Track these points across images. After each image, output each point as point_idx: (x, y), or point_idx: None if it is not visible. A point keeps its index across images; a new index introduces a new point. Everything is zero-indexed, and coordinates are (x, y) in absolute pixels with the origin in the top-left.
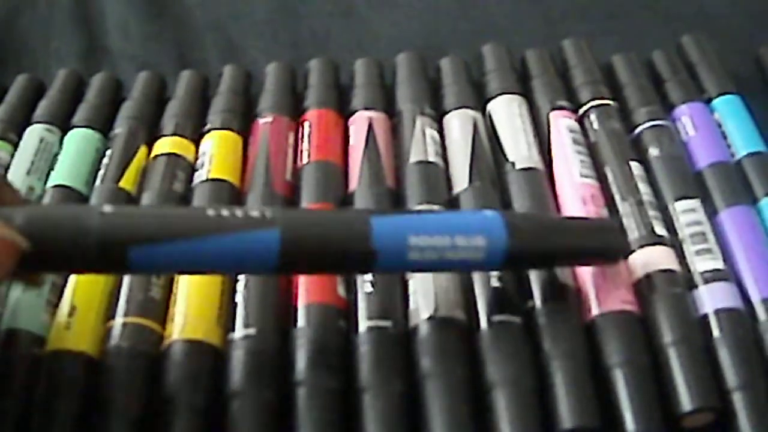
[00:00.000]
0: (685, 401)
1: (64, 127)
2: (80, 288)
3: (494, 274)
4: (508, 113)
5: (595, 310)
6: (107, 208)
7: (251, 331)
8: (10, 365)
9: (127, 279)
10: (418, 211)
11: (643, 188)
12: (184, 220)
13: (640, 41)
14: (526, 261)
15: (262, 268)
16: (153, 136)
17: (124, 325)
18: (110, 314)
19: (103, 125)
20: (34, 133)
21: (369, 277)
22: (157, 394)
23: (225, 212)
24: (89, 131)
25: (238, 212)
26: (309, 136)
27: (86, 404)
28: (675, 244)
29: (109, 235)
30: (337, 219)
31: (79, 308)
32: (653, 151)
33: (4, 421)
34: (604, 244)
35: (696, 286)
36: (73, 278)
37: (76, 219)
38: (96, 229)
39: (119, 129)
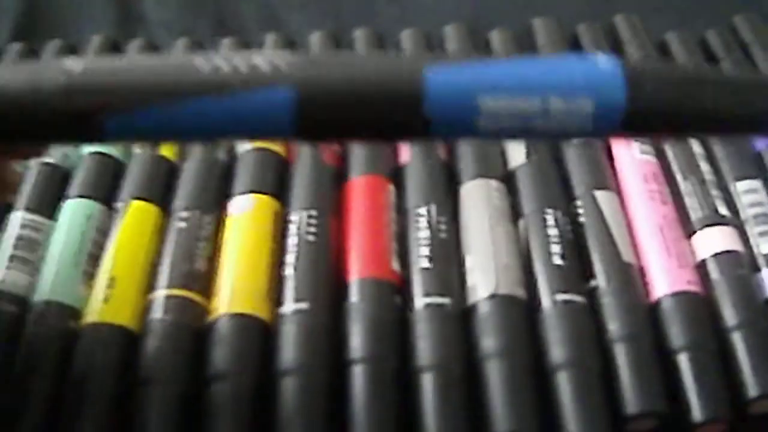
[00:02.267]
0: (752, 386)
1: None
2: (120, 258)
3: (556, 251)
4: None
5: (659, 291)
6: (75, 65)
7: (303, 305)
8: (44, 339)
9: (169, 249)
10: (498, 59)
11: (704, 167)
12: (173, 78)
13: (689, 21)
14: (650, 128)
15: (275, 133)
16: None
17: (167, 297)
18: (152, 286)
19: None
20: None
21: (425, 252)
22: (202, 370)
23: (223, 64)
24: None
25: (241, 64)
26: None
27: (125, 381)
28: (738, 224)
29: (78, 102)
30: (376, 72)
31: (119, 279)
32: None
33: (35, 399)
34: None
35: (760, 269)
36: (112, 248)
37: (39, 80)
38: (62, 92)
39: None
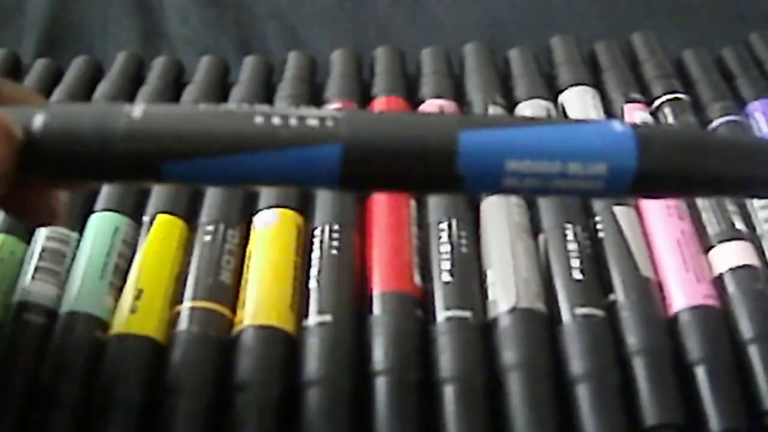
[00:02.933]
0: None
1: None
2: (146, 270)
3: (575, 266)
4: (581, 104)
5: (677, 305)
6: (137, 112)
7: (327, 317)
8: (71, 350)
9: (195, 262)
10: (523, 121)
11: None
12: (228, 131)
13: (705, 38)
14: (658, 189)
15: (321, 184)
16: None
17: (193, 309)
18: (178, 298)
19: None
20: None
21: (446, 266)
22: (228, 381)
23: (276, 120)
24: None
25: (293, 120)
26: None
27: (152, 391)
28: (754, 239)
29: (137, 146)
30: (415, 133)
31: (146, 291)
32: None
33: (63, 407)
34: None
35: None
36: (138, 260)
37: (101, 123)
38: (123, 137)
39: None
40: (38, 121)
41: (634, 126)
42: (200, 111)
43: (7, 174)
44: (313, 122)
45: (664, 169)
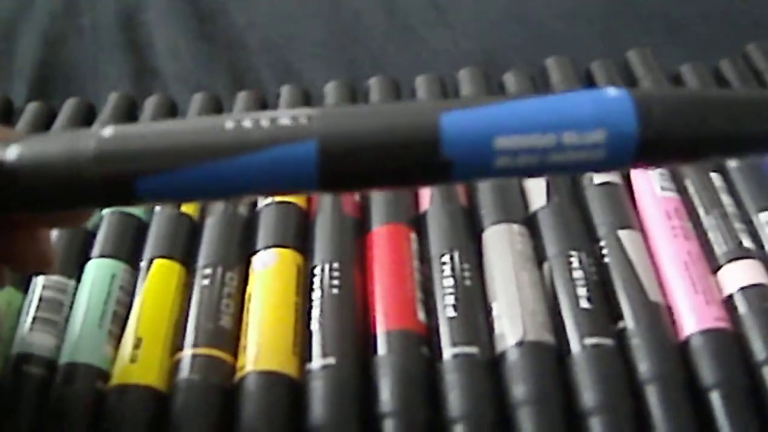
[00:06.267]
0: None
1: None
2: (145, 318)
3: (582, 294)
4: None
5: (688, 329)
6: (107, 131)
7: (330, 360)
8: (72, 401)
9: (194, 307)
10: (509, 98)
11: (726, 200)
12: (199, 139)
13: (702, 52)
14: (665, 154)
15: (300, 186)
16: None
17: (194, 356)
18: (178, 345)
19: None
20: None
21: (450, 300)
22: (232, 429)
23: (247, 123)
24: None
25: (264, 121)
26: None
27: None
28: (763, 257)
29: (109, 166)
30: (392, 122)
31: (145, 339)
32: (732, 162)
33: None
34: None
35: None
36: (136, 307)
37: (72, 149)
38: (94, 159)
39: None
40: (12, 153)
41: (630, 89)
42: (170, 124)
43: None
44: (285, 121)
45: (669, 130)
